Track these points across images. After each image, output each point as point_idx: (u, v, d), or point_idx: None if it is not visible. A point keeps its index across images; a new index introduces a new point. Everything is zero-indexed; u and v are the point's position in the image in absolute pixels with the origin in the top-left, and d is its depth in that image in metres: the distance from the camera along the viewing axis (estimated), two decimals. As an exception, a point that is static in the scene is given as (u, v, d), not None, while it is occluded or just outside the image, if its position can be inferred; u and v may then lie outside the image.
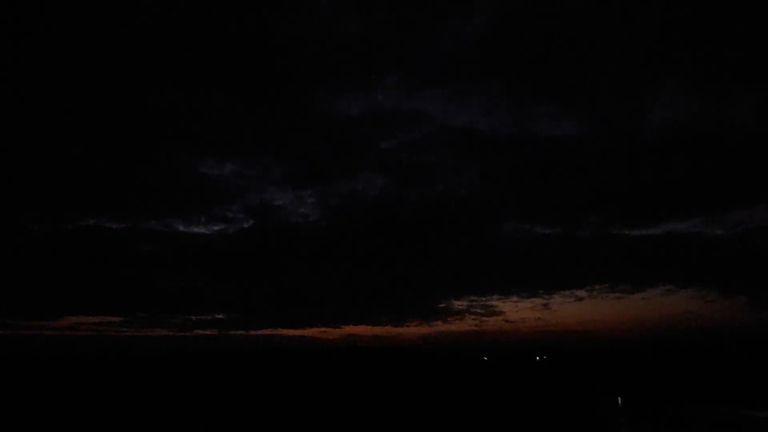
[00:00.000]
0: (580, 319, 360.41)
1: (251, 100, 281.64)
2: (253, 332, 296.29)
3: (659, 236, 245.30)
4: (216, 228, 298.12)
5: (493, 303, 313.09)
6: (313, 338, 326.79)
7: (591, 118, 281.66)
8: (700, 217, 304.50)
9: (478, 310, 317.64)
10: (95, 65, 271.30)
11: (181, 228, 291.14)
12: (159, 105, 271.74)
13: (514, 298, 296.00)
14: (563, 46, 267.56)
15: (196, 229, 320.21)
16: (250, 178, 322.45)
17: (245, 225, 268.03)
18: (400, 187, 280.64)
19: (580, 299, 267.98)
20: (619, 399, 24.37)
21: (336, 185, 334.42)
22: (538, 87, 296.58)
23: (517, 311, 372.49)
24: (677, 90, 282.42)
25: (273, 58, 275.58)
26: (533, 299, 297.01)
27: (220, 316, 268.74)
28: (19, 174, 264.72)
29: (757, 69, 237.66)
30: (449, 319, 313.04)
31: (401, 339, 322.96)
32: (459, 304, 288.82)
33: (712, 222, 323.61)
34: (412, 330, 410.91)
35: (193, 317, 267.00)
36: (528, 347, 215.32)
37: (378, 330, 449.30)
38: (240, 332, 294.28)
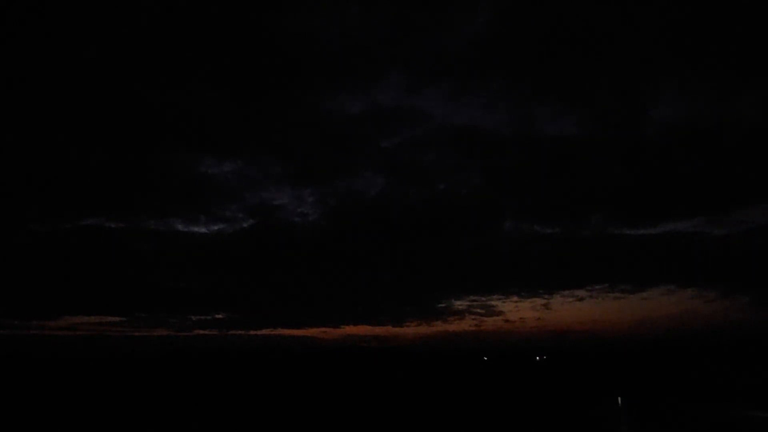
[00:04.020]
0: (580, 319, 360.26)
1: (251, 98, 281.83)
2: (253, 332, 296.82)
3: (659, 236, 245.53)
4: (215, 228, 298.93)
5: (493, 303, 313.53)
6: (313, 338, 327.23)
7: (591, 117, 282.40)
8: (701, 217, 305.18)
9: (478, 310, 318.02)
10: (94, 64, 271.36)
11: (180, 227, 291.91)
12: (158, 104, 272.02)
13: (514, 298, 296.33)
14: (564, 45, 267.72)
15: (195, 229, 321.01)
16: (250, 178, 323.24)
17: (245, 224, 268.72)
18: (400, 187, 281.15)
19: (580, 299, 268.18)
20: (619, 399, 24.31)
21: (336, 184, 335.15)
22: (539, 86, 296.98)
23: (517, 311, 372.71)
24: (678, 89, 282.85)
25: (273, 57, 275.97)
26: (533, 299, 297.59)
27: (220, 316, 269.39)
28: (18, 174, 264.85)
29: (758, 67, 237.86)
30: (449, 319, 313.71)
31: (401, 339, 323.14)
32: (459, 304, 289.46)
33: (713, 222, 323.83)
34: (412, 330, 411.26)
35: (193, 317, 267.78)
36: (528, 347, 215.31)
37: (378, 330, 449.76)
38: (240, 332, 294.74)
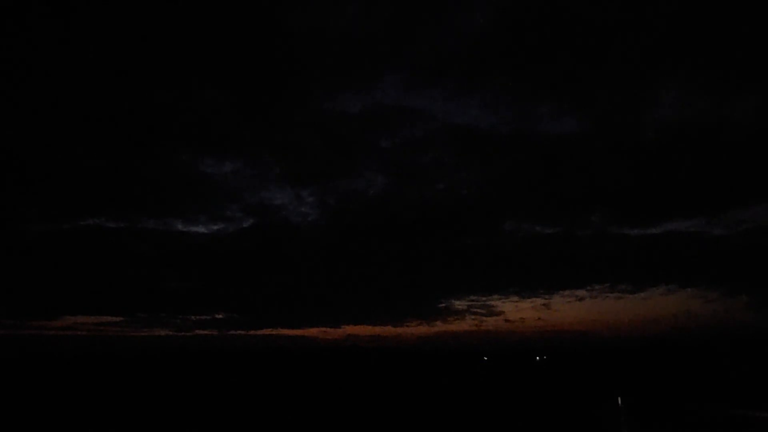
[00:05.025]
0: (580, 319, 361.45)
1: (250, 98, 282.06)
2: (253, 332, 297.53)
3: (660, 236, 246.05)
4: (215, 227, 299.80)
5: (493, 303, 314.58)
6: (313, 338, 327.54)
7: (592, 117, 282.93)
8: (701, 217, 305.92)
9: (478, 310, 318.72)
10: (93, 64, 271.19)
11: (180, 227, 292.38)
12: (157, 103, 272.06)
13: (514, 298, 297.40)
14: (564, 43, 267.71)
15: (195, 229, 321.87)
16: (249, 177, 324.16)
17: (244, 224, 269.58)
18: (400, 186, 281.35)
19: (580, 299, 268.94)
20: (619, 399, 24.26)
21: (335, 184, 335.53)
22: (540, 85, 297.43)
23: (517, 311, 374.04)
24: (679, 88, 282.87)
25: (272, 56, 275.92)
26: (533, 299, 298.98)
27: (220, 316, 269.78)
28: (18, 174, 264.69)
29: (759, 67, 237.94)
30: (449, 319, 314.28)
31: (401, 339, 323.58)
32: (459, 304, 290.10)
33: (713, 221, 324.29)
34: (412, 330, 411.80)
35: (193, 317, 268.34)
36: (528, 347, 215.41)
37: (378, 330, 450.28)
38: (240, 332, 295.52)
